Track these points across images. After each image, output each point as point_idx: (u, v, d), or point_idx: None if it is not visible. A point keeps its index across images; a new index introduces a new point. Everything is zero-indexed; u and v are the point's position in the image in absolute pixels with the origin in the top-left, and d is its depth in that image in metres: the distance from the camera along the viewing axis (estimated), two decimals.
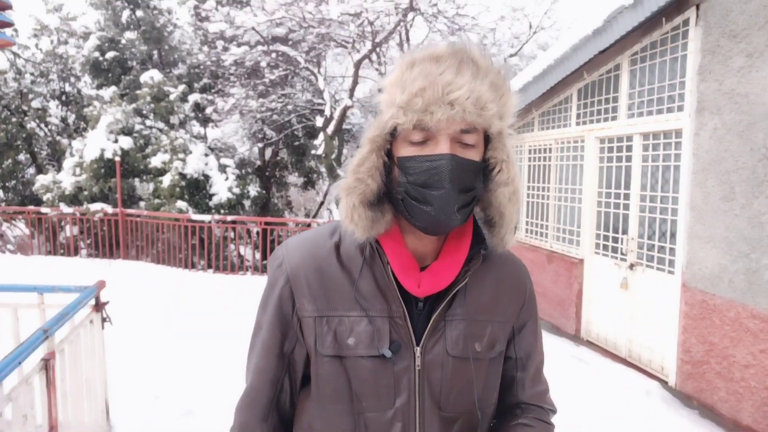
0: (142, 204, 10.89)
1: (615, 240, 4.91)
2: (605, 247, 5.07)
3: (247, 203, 11.33)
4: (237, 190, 10.84)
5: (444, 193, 0.83)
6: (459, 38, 8.60)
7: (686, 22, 4.02)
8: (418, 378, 0.92)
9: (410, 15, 7.87)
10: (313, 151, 11.03)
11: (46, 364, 2.33)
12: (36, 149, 12.59)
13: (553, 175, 5.92)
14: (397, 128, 0.85)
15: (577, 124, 5.45)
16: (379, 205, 0.91)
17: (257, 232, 10.23)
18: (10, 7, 1.82)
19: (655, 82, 4.38)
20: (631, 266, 4.65)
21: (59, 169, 12.14)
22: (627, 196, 4.73)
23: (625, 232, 4.76)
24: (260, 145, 13.02)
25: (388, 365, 0.91)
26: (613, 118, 4.88)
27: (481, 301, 0.97)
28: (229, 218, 9.17)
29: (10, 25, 1.84)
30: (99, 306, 3.19)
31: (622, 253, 4.80)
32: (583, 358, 4.86)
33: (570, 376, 4.40)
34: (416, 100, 0.80)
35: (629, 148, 4.69)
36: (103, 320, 3.26)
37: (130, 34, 12.93)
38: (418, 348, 0.92)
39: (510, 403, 1.06)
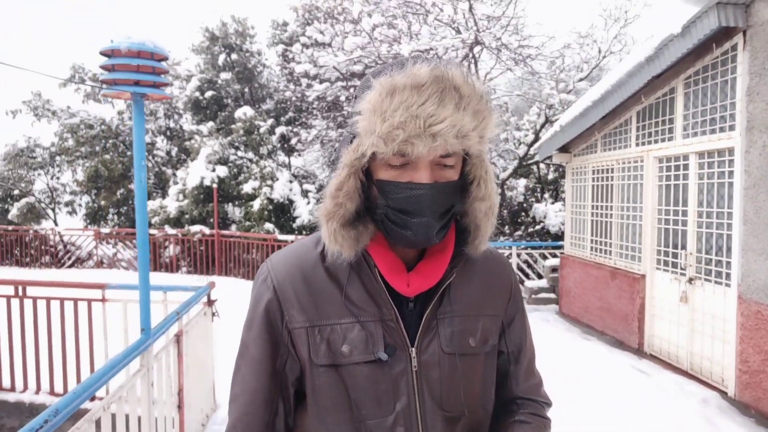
0: (233, 227, 12.02)
1: (674, 255, 5.06)
2: (665, 263, 5.22)
3: None
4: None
5: (424, 221, 0.84)
6: (517, 67, 8.90)
7: (734, 47, 4.25)
8: (416, 379, 0.91)
9: (476, 48, 8.39)
10: None
11: (178, 339, 3.02)
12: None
13: (616, 194, 6.13)
14: (375, 153, 0.83)
15: (637, 144, 5.68)
16: (361, 221, 0.91)
17: None
18: (166, 72, 2.54)
19: (708, 104, 4.59)
20: (690, 280, 4.80)
21: (164, 195, 13.67)
22: (684, 213, 4.90)
23: (683, 247, 4.92)
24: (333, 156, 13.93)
25: (385, 369, 0.90)
26: (670, 139, 5.09)
27: (470, 297, 0.98)
28: None
29: (167, 84, 2.57)
30: (210, 302, 3.91)
31: (681, 268, 4.95)
32: (644, 370, 5.00)
33: (631, 387, 4.59)
34: (397, 132, 0.79)
35: (686, 167, 4.88)
36: (213, 314, 3.97)
37: (225, 75, 14.42)
38: (413, 349, 0.91)
39: (505, 398, 1.07)
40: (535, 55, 8.50)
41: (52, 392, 4.38)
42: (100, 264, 11.83)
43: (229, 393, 0.99)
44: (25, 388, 4.48)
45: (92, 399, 3.75)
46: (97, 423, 2.04)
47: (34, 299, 4.34)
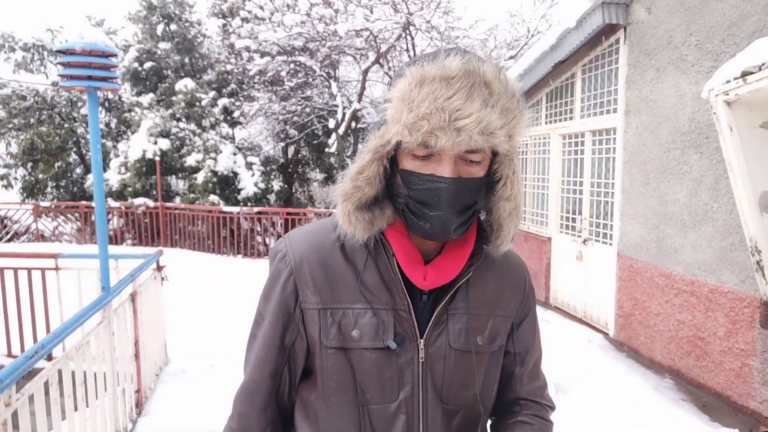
0: (178, 199, 12.16)
1: (573, 220, 5.86)
2: (566, 227, 6.02)
3: (271, 197, 12.53)
4: (262, 185, 12.03)
5: (441, 215, 0.84)
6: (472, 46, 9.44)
7: (618, 41, 4.95)
8: (422, 370, 0.93)
9: (410, 29, 8.89)
10: (326, 149, 12.15)
11: (133, 298, 3.47)
12: (84, 151, 14.00)
13: (530, 167, 6.87)
14: (400, 142, 0.83)
15: (546, 123, 6.39)
16: (378, 205, 0.92)
17: (281, 223, 11.40)
18: (116, 66, 2.91)
19: (599, 89, 5.32)
20: (585, 241, 5.60)
21: (105, 168, 13.54)
22: (581, 183, 5.67)
23: (580, 213, 5.71)
24: (283, 144, 14.20)
25: (392, 357, 0.92)
26: (571, 118, 5.82)
27: (483, 296, 0.98)
28: (255, 209, 10.35)
29: (116, 77, 2.94)
30: (159, 268, 4.34)
31: (578, 231, 5.75)
32: (546, 318, 5.83)
33: None
34: (422, 122, 0.79)
35: (582, 143, 5.63)
36: (162, 279, 4.40)
37: (164, 45, 14.21)
38: (422, 341, 0.93)
39: (508, 399, 1.07)
40: (462, 36, 9.09)
41: (9, 355, 4.71)
42: (40, 237, 11.74)
43: (245, 353, 1.04)
44: None
45: (49, 358, 4.12)
46: (60, 377, 2.44)
47: None
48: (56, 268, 4.43)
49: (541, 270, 6.46)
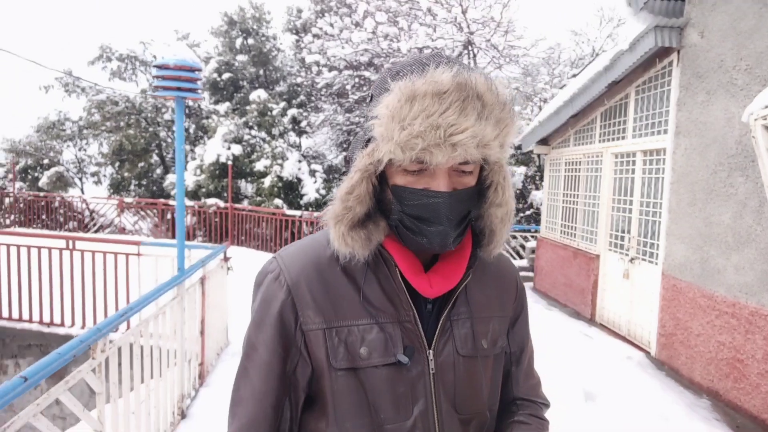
0: (245, 201, 12.97)
1: (621, 238, 5.90)
2: (615, 245, 6.06)
3: None
4: (324, 192, 12.63)
5: (441, 230, 0.83)
6: (509, 65, 9.62)
7: (671, 63, 5.02)
8: (433, 382, 0.90)
9: (471, 47, 9.17)
10: None
11: (202, 281, 3.94)
12: (164, 153, 15.21)
13: (582, 184, 6.94)
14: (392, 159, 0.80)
15: (600, 141, 6.47)
16: (371, 220, 0.89)
17: None
18: (200, 80, 3.41)
19: (651, 110, 5.38)
20: (632, 260, 5.64)
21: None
22: (631, 202, 5.72)
23: (628, 231, 5.75)
24: (346, 153, 14.80)
25: (403, 372, 0.88)
26: (623, 138, 5.89)
27: (482, 299, 0.98)
28: (316, 214, 10.90)
29: (200, 89, 3.44)
30: (226, 258, 4.83)
31: (626, 249, 5.78)
32: (590, 335, 5.88)
33: (575, 346, 5.47)
34: (416, 140, 0.77)
35: (634, 163, 5.69)
36: (228, 268, 4.90)
37: (241, 57, 15.23)
38: (431, 351, 0.90)
39: (506, 399, 1.07)
40: (522, 55, 9.26)
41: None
42: (122, 231, 12.88)
43: (231, 395, 0.96)
44: (73, 324, 5.47)
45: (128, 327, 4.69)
46: (137, 348, 2.92)
47: (82, 252, 5.30)
48: (138, 254, 5.04)
49: (588, 287, 6.50)
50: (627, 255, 5.74)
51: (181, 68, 3.22)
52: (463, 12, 8.41)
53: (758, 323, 3.79)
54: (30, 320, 5.54)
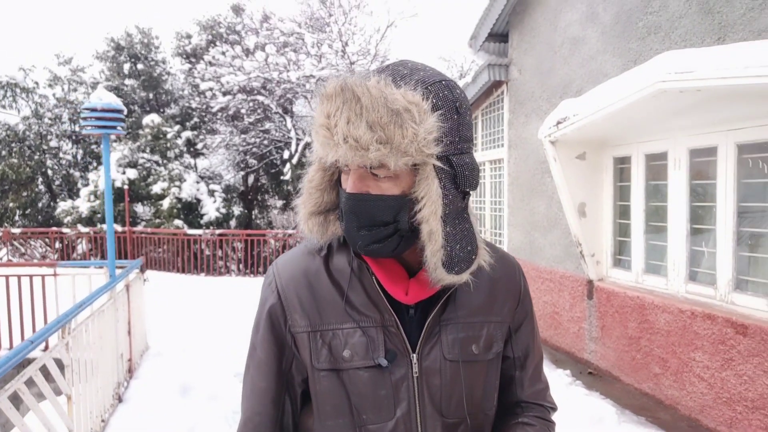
0: (142, 224, 13.10)
1: (480, 231, 7.26)
2: None
3: (232, 222, 13.63)
4: (224, 211, 13.14)
5: (351, 229, 0.86)
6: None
7: (503, 92, 6.46)
8: (417, 385, 0.92)
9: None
10: (282, 177, 13.40)
11: (127, 288, 4.59)
12: (52, 182, 14.78)
13: None
14: None
15: None
16: (333, 211, 0.95)
17: (241, 247, 12.50)
18: (123, 120, 4.12)
19: (492, 128, 6.80)
20: None
21: (71, 197, 14.35)
22: (484, 202, 7.10)
23: (483, 225, 7.13)
24: (243, 173, 15.36)
25: (385, 375, 0.91)
26: (476, 150, 7.29)
27: (475, 303, 0.97)
28: (217, 231, 11.43)
29: (121, 125, 4.14)
30: (142, 270, 5.46)
31: None
32: None
33: None
34: (316, 137, 0.83)
35: (484, 170, 7.09)
36: (144, 280, 5.52)
37: (130, 82, 15.27)
38: (415, 355, 0.92)
39: (510, 403, 1.07)
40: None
41: (11, 348, 5.67)
42: (10, 262, 12.42)
43: (241, 389, 1.03)
44: None
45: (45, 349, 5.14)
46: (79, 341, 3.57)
47: None
48: (54, 275, 5.49)
49: None
50: None
51: (106, 110, 3.93)
52: (344, 47, 9.51)
53: (565, 283, 5.19)
54: None
